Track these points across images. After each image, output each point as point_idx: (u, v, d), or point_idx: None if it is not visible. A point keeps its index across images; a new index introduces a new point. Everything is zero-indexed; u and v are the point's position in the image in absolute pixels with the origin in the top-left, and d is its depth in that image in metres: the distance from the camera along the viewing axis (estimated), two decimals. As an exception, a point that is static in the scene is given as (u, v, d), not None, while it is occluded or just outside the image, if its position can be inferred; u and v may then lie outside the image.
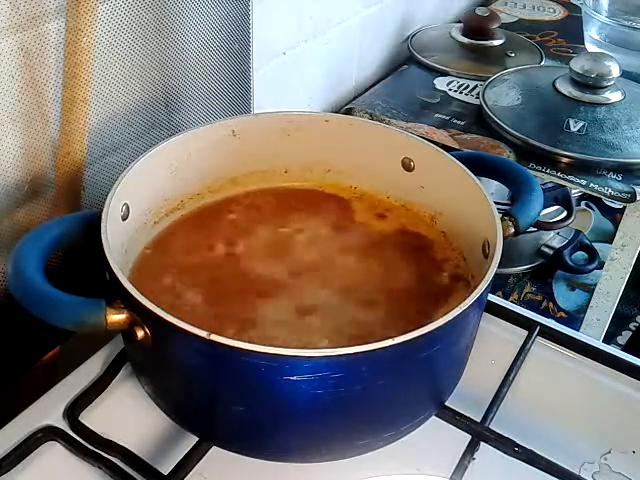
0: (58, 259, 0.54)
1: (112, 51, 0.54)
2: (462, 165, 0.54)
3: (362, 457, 0.46)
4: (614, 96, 0.90)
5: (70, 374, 0.53)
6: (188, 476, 0.45)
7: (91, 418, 0.50)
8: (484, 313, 0.50)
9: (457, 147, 0.85)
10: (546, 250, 1.11)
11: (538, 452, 0.47)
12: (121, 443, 0.47)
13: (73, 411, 0.50)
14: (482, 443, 0.48)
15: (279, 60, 0.82)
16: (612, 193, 0.79)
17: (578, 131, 0.85)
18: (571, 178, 0.81)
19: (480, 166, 0.55)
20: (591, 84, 0.89)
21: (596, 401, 0.54)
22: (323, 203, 0.60)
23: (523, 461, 0.47)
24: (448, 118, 0.91)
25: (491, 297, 0.57)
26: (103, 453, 0.47)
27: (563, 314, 1.08)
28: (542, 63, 1.05)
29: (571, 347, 0.56)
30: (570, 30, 1.16)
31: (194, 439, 0.47)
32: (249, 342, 0.39)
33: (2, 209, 0.51)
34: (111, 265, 0.43)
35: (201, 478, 0.46)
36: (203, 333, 0.39)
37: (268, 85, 0.78)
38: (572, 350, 0.56)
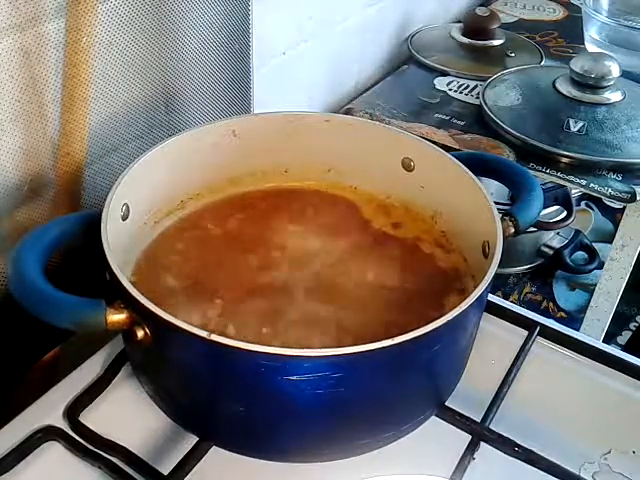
0: (58, 259, 0.54)
1: (112, 51, 0.54)
2: (462, 165, 0.54)
3: (362, 457, 0.46)
4: (614, 96, 0.89)
5: (70, 374, 0.53)
6: (188, 476, 0.45)
7: (91, 418, 0.49)
8: (484, 313, 0.50)
9: (457, 147, 0.85)
10: (546, 250, 1.11)
11: (538, 452, 0.47)
12: (121, 443, 0.47)
13: (73, 411, 0.49)
14: (482, 443, 0.48)
15: (279, 60, 0.82)
16: (612, 193, 0.79)
17: (578, 131, 0.85)
18: (571, 178, 0.81)
19: (480, 166, 0.55)
20: (591, 84, 0.89)
21: (596, 401, 0.54)
22: (323, 203, 0.60)
23: (523, 461, 0.47)
24: (448, 118, 0.91)
25: (491, 297, 0.57)
26: (103, 453, 0.47)
27: (563, 314, 1.08)
28: (542, 63, 1.05)
29: (571, 347, 0.56)
30: (570, 30, 1.16)
31: (194, 439, 0.47)
32: (248, 342, 0.39)
33: (2, 209, 0.51)
34: (111, 265, 0.43)
35: (201, 478, 0.46)
36: (203, 333, 0.39)
37: (268, 85, 0.78)
38: (572, 350, 0.56)
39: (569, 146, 0.83)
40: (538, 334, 0.56)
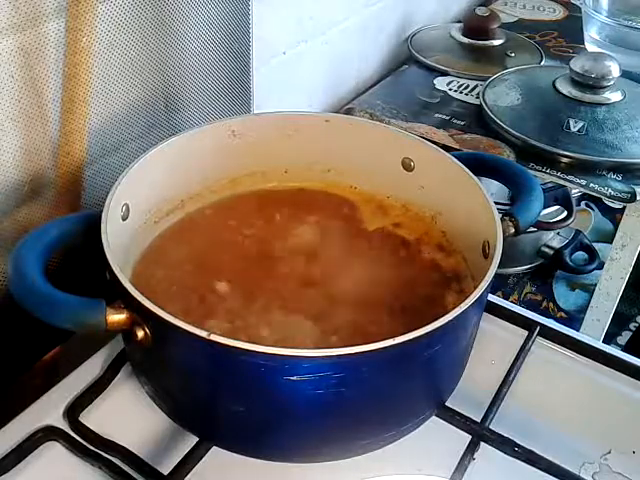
0: (58, 259, 0.54)
1: (112, 51, 0.54)
2: (462, 165, 0.54)
3: (362, 457, 0.46)
4: (614, 96, 0.90)
5: (70, 374, 0.53)
6: (188, 476, 0.45)
7: (91, 418, 0.50)
8: (484, 313, 0.50)
9: (457, 147, 0.85)
10: (546, 250, 1.11)
11: (538, 452, 0.47)
12: (121, 443, 0.47)
13: (73, 411, 0.50)
14: (482, 443, 0.48)
15: (279, 60, 0.82)
16: (612, 193, 0.79)
17: (578, 131, 0.85)
18: (571, 178, 0.81)
19: (480, 166, 0.55)
20: (591, 84, 0.89)
21: (596, 401, 0.54)
22: (323, 203, 0.60)
23: (523, 461, 0.47)
24: (448, 118, 0.91)
25: (491, 297, 0.57)
26: (103, 453, 0.47)
27: (563, 314, 1.08)
28: (542, 63, 1.05)
29: (571, 347, 0.56)
30: (570, 30, 1.16)
31: (194, 439, 0.47)
32: (248, 342, 0.39)
33: (2, 209, 0.51)
34: (111, 265, 0.43)
35: (201, 478, 0.46)
36: (203, 333, 0.39)
37: (268, 85, 0.78)
38: (572, 350, 0.56)
39: (569, 146, 0.83)
40: (538, 334, 0.56)
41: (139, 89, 0.58)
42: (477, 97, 0.95)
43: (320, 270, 0.54)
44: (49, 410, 0.50)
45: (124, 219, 0.50)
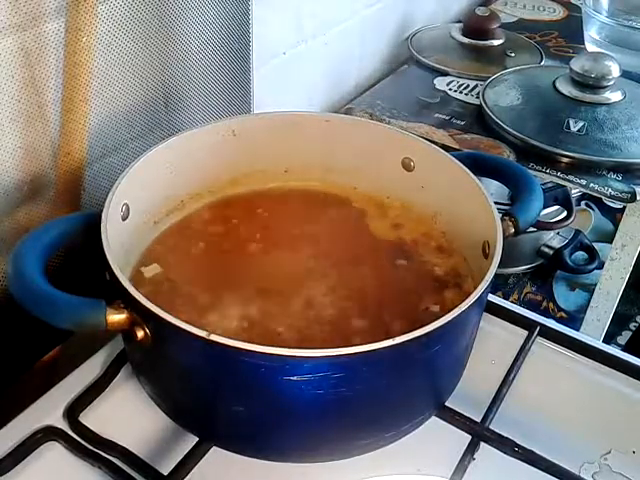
0: (58, 259, 0.54)
1: (112, 51, 0.54)
2: (462, 165, 0.54)
3: (362, 457, 0.46)
4: (614, 96, 0.89)
5: (70, 374, 0.53)
6: (188, 476, 0.45)
7: (91, 418, 0.50)
8: (484, 313, 0.50)
9: (457, 147, 0.85)
10: (546, 250, 1.11)
11: (538, 452, 0.47)
12: (121, 443, 0.47)
13: (73, 411, 0.50)
14: (482, 443, 0.48)
15: (279, 60, 0.82)
16: (612, 193, 0.79)
17: (578, 131, 0.85)
18: (571, 178, 0.81)
19: (480, 166, 0.55)
20: (591, 84, 0.89)
21: (596, 401, 0.54)
22: (323, 203, 0.60)
23: (523, 461, 0.47)
24: (448, 118, 0.91)
25: (491, 297, 0.57)
26: (103, 453, 0.47)
27: (563, 314, 1.08)
28: (542, 63, 1.05)
29: (571, 347, 0.56)
30: (570, 30, 1.16)
31: (194, 439, 0.47)
32: (248, 342, 0.39)
33: (2, 209, 0.51)
34: (111, 265, 0.43)
35: (201, 478, 0.46)
36: (203, 333, 0.39)
37: (268, 85, 0.78)
38: (572, 350, 0.56)
39: (569, 146, 0.83)
40: (538, 334, 0.56)
41: (139, 89, 0.58)
42: (477, 97, 0.95)
43: (320, 270, 0.54)
44: (49, 410, 0.50)
45: (124, 219, 0.50)
